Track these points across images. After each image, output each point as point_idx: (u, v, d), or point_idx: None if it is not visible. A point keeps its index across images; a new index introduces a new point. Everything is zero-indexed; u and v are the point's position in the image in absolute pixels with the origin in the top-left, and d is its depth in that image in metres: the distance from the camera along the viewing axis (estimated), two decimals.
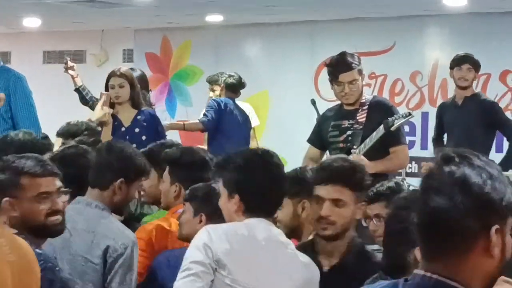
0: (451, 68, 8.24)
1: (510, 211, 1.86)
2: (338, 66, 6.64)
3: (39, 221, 3.52)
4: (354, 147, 5.96)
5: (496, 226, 1.82)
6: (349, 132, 6.34)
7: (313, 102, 7.77)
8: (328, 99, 10.25)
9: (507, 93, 11.59)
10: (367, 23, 13.05)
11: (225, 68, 10.75)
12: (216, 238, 3.48)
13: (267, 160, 3.84)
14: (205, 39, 14.48)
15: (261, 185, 3.61)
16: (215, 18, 13.21)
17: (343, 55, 6.79)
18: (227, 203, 3.82)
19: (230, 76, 10.20)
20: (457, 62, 8.33)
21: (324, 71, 10.95)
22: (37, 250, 3.42)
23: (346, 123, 6.44)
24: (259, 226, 3.58)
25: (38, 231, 3.56)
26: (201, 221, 4.21)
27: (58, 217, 3.56)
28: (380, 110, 6.21)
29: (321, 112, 7.35)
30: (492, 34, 12.03)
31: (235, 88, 10.19)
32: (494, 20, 12.10)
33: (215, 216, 3.89)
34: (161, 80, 14.77)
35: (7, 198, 3.50)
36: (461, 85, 8.25)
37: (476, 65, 8.45)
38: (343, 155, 4.78)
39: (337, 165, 3.85)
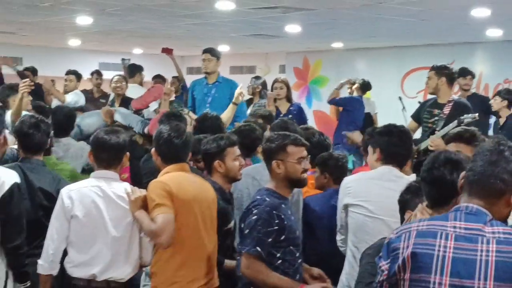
0: (458, 77, 8.43)
1: None
2: (461, 73, 8.53)
3: (298, 177, 4.12)
4: (437, 129, 6.49)
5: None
6: (436, 118, 7.07)
7: (400, 98, 10.68)
8: (410, 96, 12.88)
9: None
10: (438, 47, 14.31)
11: (343, 78, 11.91)
12: (354, 185, 4.40)
13: (399, 130, 4.58)
14: (330, 58, 16.36)
15: (393, 144, 4.31)
16: (337, 45, 15.35)
17: (463, 68, 9.06)
18: (372, 156, 4.61)
19: (363, 80, 11.42)
20: (462, 73, 9.06)
21: (409, 77, 14.10)
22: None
23: (436, 111, 7.16)
24: (389, 171, 4.28)
25: (295, 183, 4.19)
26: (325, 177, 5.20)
27: (306, 174, 4.17)
28: (459, 109, 6.75)
29: (405, 105, 10.02)
30: None
31: (365, 88, 11.51)
32: None
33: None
34: (303, 85, 16.96)
35: (274, 160, 4.08)
36: (465, 89, 9.33)
37: (473, 75, 9.66)
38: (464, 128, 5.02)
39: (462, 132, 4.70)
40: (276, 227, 3.89)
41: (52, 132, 5.53)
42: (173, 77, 10.79)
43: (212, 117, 6.32)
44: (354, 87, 11.21)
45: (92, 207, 4.42)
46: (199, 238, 4.51)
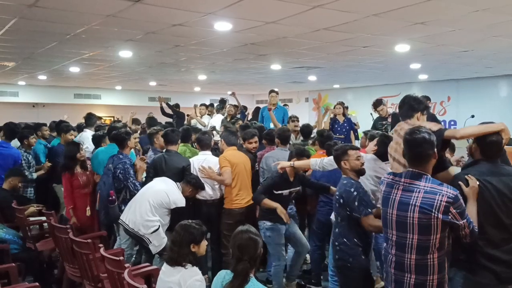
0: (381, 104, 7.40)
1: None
2: None
3: (359, 168, 3.43)
4: (389, 132, 5.66)
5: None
6: (386, 126, 6.83)
7: (371, 114, 8.21)
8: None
9: None
10: (393, 85, 13.00)
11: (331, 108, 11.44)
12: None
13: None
14: (333, 93, 15.08)
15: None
16: (336, 85, 14.12)
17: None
18: (370, 145, 4.22)
19: (346, 106, 9.06)
20: (377, 104, 7.51)
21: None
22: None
23: (384, 122, 7.02)
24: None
25: (358, 173, 3.44)
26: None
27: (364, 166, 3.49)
28: (394, 117, 5.89)
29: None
30: None
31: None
32: None
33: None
34: (318, 108, 13.28)
35: (343, 160, 3.43)
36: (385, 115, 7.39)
37: None
38: None
39: None
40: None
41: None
42: (233, 105, 10.14)
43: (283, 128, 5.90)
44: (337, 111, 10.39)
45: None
46: (244, 180, 4.77)
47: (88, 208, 4.92)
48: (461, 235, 2.49)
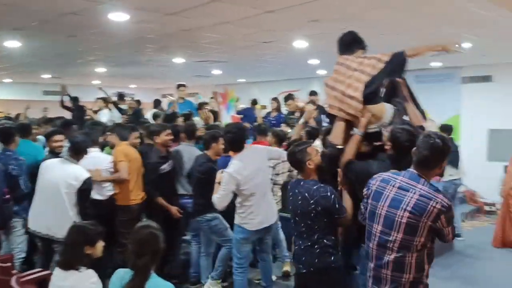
0: (310, 95, 7.84)
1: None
2: None
3: (321, 163, 3.18)
4: (297, 123, 5.57)
5: None
6: (295, 119, 6.88)
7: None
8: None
9: None
10: (293, 80, 12.88)
11: (248, 100, 10.90)
12: None
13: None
14: (239, 88, 15.11)
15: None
16: (241, 80, 14.26)
17: (313, 91, 7.86)
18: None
19: (253, 99, 10.27)
20: (313, 93, 8.02)
21: (279, 96, 11.85)
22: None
23: (292, 116, 7.23)
24: None
25: (320, 169, 3.18)
26: None
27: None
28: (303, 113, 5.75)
29: None
30: None
31: (254, 102, 10.19)
32: None
33: None
34: (225, 102, 14.70)
35: (307, 161, 3.12)
36: (314, 101, 7.60)
37: (317, 94, 8.01)
38: None
39: None
40: None
41: None
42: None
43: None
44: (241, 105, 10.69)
45: None
46: (139, 175, 4.74)
47: None
48: (445, 240, 2.53)
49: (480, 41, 7.05)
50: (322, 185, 3.12)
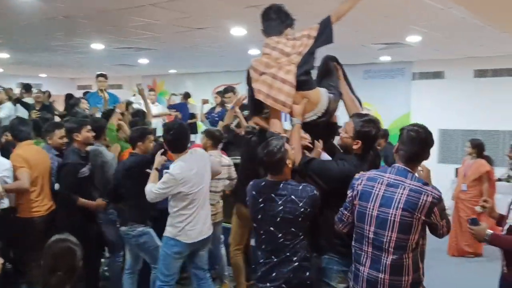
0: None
1: None
2: None
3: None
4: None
5: None
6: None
7: (210, 102, 9.66)
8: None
9: None
10: (232, 72, 12.80)
11: (176, 92, 12.15)
12: None
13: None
14: (170, 79, 15.20)
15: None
16: (172, 71, 14.28)
17: None
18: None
19: (185, 92, 11.06)
20: (225, 91, 7.53)
21: (217, 90, 12.37)
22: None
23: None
24: None
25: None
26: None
27: None
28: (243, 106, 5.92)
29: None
30: None
31: (187, 96, 10.98)
32: None
33: None
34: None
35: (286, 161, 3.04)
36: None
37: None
38: None
39: None
40: None
41: None
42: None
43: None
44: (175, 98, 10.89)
45: None
46: (46, 181, 4.61)
47: None
48: (438, 234, 2.70)
49: (430, 35, 7.34)
50: (305, 183, 3.06)
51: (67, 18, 6.54)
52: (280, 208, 3.03)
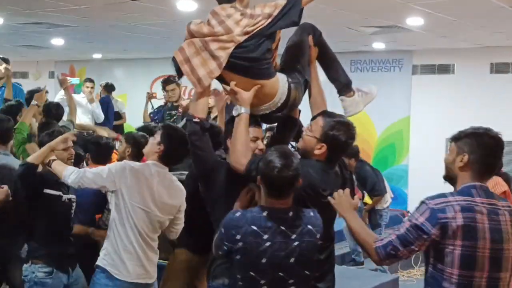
0: None
1: None
2: None
3: None
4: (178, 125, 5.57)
5: None
6: (175, 117, 7.26)
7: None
8: (158, 98, 9.52)
9: None
10: None
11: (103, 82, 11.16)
12: None
13: None
14: (93, 66, 15.42)
15: None
16: (97, 56, 14.60)
17: None
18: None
19: (106, 82, 10.93)
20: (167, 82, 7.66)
21: (157, 82, 12.30)
22: None
23: (173, 113, 7.43)
24: None
25: None
26: None
27: None
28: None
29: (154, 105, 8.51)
30: None
31: (109, 89, 10.94)
32: None
33: None
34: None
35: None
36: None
37: None
38: None
39: None
40: None
41: None
42: None
43: None
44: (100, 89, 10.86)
45: None
46: None
47: None
48: None
49: (435, 17, 7.33)
50: (310, 209, 3.07)
51: None
52: (296, 244, 2.92)
